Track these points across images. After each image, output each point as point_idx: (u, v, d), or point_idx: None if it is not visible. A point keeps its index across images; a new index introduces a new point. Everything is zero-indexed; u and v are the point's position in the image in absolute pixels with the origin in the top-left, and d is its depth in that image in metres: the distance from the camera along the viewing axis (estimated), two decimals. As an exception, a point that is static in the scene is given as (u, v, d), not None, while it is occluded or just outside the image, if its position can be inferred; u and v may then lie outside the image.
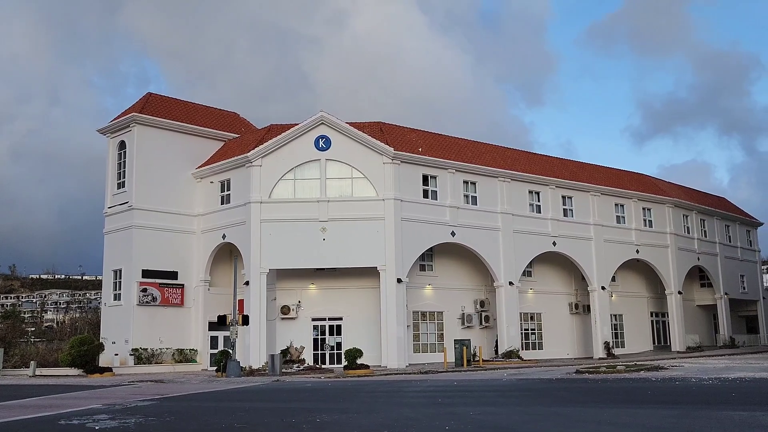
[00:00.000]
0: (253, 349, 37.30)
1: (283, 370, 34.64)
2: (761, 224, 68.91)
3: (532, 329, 47.82)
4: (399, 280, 38.54)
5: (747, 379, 24.58)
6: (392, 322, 38.02)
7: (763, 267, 75.53)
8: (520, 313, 45.40)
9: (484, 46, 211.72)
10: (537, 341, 47.94)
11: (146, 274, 40.57)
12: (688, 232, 56.73)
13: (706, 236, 58.93)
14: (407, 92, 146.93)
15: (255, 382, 29.44)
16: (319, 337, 40.87)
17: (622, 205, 51.40)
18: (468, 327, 44.17)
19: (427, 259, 43.50)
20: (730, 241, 62.61)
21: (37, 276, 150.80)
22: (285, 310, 40.27)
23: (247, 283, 38.32)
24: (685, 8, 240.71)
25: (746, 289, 63.32)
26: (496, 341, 43.92)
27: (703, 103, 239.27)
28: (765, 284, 76.47)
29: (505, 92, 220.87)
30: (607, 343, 47.79)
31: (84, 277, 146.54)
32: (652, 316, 56.59)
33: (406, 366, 37.79)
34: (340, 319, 40.80)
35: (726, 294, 59.41)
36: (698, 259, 57.31)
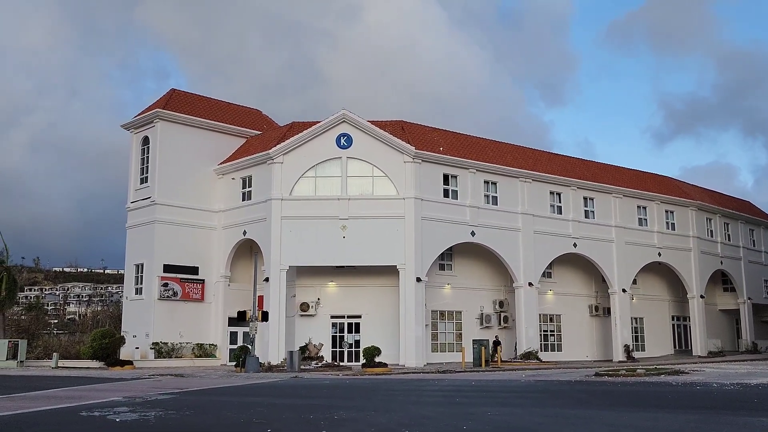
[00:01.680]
0: (272, 345, 37.48)
1: (302, 367, 34.79)
2: (786, 229, 67.99)
3: (551, 331, 47.59)
4: (418, 279, 38.54)
5: (769, 385, 24.27)
6: (411, 321, 38.04)
7: (787, 272, 74.49)
8: (539, 315, 45.22)
9: (502, 44, 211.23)
10: (556, 343, 47.72)
11: (167, 269, 40.91)
12: (712, 236, 56.15)
13: (729, 240, 58.28)
14: (423, 88, 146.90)
15: (273, 378, 29.60)
16: (338, 334, 40.99)
17: (645, 207, 50.99)
18: (487, 327, 44.07)
19: (447, 258, 43.46)
20: (754, 246, 61.86)
21: (60, 269, 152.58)
22: (304, 307, 40.42)
23: (266, 279, 38.51)
24: (707, 6, 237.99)
25: (770, 294, 62.53)
26: (516, 343, 43.77)
27: (726, 103, 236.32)
28: (789, 289, 75.42)
29: (523, 90, 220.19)
30: (627, 346, 47.44)
31: (106, 271, 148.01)
32: (673, 320, 56.08)
33: (424, 365, 37.79)
34: (359, 317, 40.88)
35: (749, 299, 58.73)
36: (721, 263, 56.69)
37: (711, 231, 56.20)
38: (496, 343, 40.44)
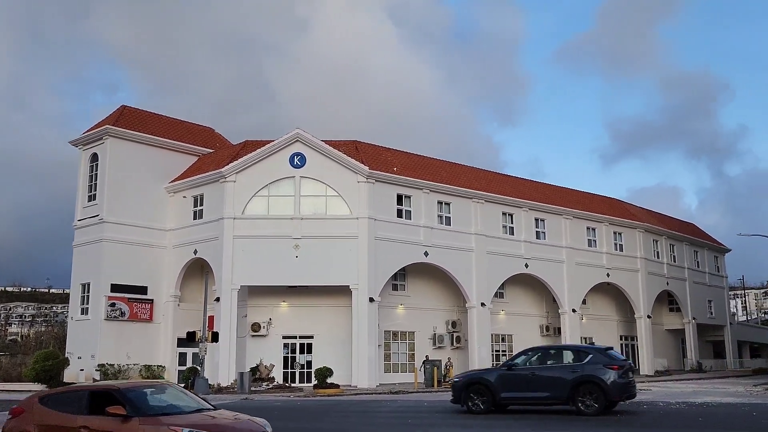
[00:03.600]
0: (222, 366, 36.87)
1: (252, 388, 34.29)
2: (729, 250, 69.98)
3: (503, 350, 47.89)
4: (371, 299, 38.45)
5: (713, 404, 24.81)
6: (363, 342, 37.88)
7: (730, 293, 76.62)
8: (492, 334, 45.50)
9: (455, 64, 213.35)
10: (508, 363, 47.93)
11: (115, 288, 40.01)
12: (658, 257, 57.40)
13: (675, 261, 59.68)
14: (376, 107, 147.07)
15: (223, 400, 29.06)
16: (290, 355, 40.54)
17: (594, 229, 51.92)
18: (439, 347, 44.13)
19: (400, 278, 43.48)
20: (698, 267, 63.44)
21: (2, 288, 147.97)
22: (255, 327, 39.92)
23: (217, 299, 37.97)
24: (655, 31, 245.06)
25: (713, 314, 64.12)
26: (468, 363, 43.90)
27: (671, 126, 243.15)
28: (732, 310, 77.59)
29: (476, 111, 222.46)
30: (577, 366, 47.92)
31: (51, 291, 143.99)
32: (621, 339, 57.01)
33: (377, 386, 37.61)
34: (311, 337, 40.53)
35: (694, 319, 60.11)
36: (667, 283, 57.97)
37: (657, 252, 57.47)
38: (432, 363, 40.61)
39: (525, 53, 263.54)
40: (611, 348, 22.25)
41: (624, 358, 22.46)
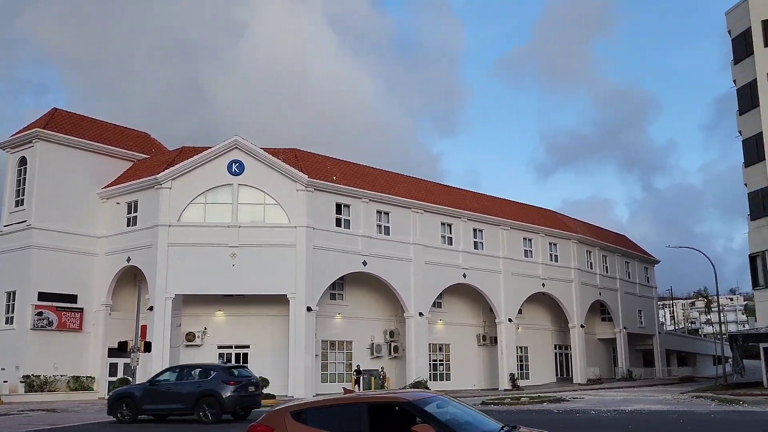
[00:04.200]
0: (154, 377, 35.92)
1: (186, 400, 33.49)
2: (658, 262, 72.08)
3: (440, 360, 48.16)
4: (309, 309, 38.15)
5: (643, 412, 25.41)
6: (300, 351, 37.52)
7: (658, 303, 78.92)
8: (429, 344, 45.69)
9: (396, 73, 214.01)
10: (445, 372, 48.29)
11: (43, 296, 38.63)
12: (591, 268, 58.70)
13: (607, 272, 61.13)
14: (317, 114, 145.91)
15: (155, 411, 28.31)
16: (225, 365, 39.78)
17: (530, 240, 52.76)
18: (377, 357, 44.06)
19: (338, 287, 43.29)
20: (629, 278, 65.13)
21: None
22: (190, 337, 39.12)
23: (151, 308, 37.07)
24: (588, 46, 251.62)
25: (643, 324, 65.88)
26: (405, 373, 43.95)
27: (604, 139, 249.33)
28: (660, 320, 79.87)
29: (416, 121, 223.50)
30: (512, 375, 48.62)
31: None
32: (555, 348, 58.03)
33: (314, 396, 37.27)
34: (247, 347, 39.94)
35: (625, 328, 61.63)
36: (600, 293, 59.31)
37: (591, 263, 58.77)
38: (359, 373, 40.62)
39: (465, 65, 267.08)
40: (240, 366, 26.81)
41: (248, 374, 25.19)
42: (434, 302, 46.22)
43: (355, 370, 40.82)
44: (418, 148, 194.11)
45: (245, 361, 39.70)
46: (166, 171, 38.26)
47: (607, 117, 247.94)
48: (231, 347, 39.91)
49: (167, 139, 51.09)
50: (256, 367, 38.10)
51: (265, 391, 33.68)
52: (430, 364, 45.75)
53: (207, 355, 39.13)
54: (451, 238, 46.99)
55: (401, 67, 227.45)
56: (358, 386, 38.87)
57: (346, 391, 8.99)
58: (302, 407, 8.99)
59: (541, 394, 36.89)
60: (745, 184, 44.01)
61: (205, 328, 39.63)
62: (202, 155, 38.83)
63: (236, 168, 38.85)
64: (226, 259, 37.71)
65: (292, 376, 37.23)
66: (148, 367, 35.90)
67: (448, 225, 46.95)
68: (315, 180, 39.60)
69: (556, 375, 57.26)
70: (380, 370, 41.14)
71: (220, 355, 39.67)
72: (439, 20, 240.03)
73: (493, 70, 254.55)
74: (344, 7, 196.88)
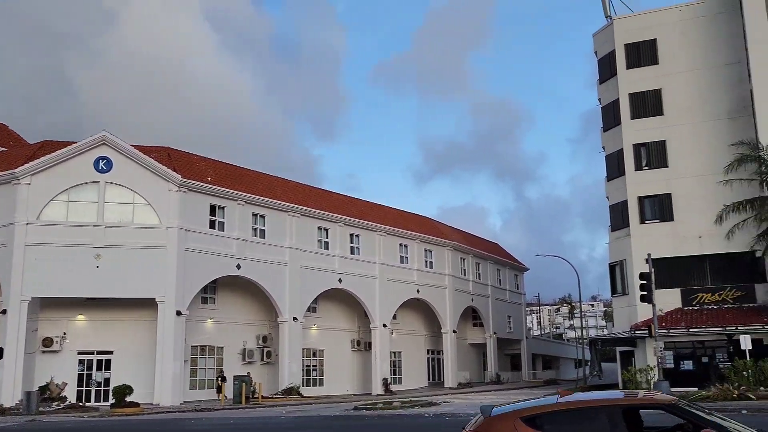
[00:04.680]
0: (6, 385, 33.53)
1: (41, 409, 31.52)
2: (527, 269, 74.95)
3: (314, 365, 47.83)
4: (179, 313, 36.85)
5: (509, 414, 26.08)
6: (168, 357, 36.15)
7: (527, 309, 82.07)
8: (303, 349, 45.29)
9: (275, 74, 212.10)
10: (318, 377, 48.00)
11: None
12: (465, 274, 60.19)
13: (480, 279, 62.88)
14: (192, 113, 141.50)
15: (5, 422, 26.44)
16: (86, 372, 37.79)
17: (406, 246, 53.44)
18: (249, 362, 43.16)
19: (210, 291, 42.12)
20: (500, 284, 67.31)
21: None
22: (47, 342, 36.81)
23: (4, 311, 34.62)
24: (466, 58, 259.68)
25: (512, 329, 68.24)
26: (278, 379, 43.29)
27: (480, 149, 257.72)
28: (528, 325, 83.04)
29: (294, 123, 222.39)
30: (385, 380, 48.99)
31: None
32: (428, 353, 59.03)
33: (181, 403, 36.02)
34: (111, 352, 38.05)
35: (495, 333, 63.59)
36: (472, 300, 60.92)
37: (464, 270, 60.27)
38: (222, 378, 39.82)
39: (346, 69, 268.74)
40: None
41: None
42: (309, 307, 45.90)
43: (218, 376, 39.80)
44: (296, 151, 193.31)
45: (108, 367, 37.89)
46: (26, 165, 35.92)
47: (483, 127, 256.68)
48: (92, 353, 37.91)
49: (27, 132, 48.18)
50: (119, 375, 36.55)
51: (128, 399, 32.28)
52: (303, 369, 45.34)
53: (66, 361, 37.01)
54: (328, 242, 46.84)
55: (282, 68, 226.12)
56: (220, 393, 37.87)
57: (562, 393, 7.63)
58: (536, 411, 7.73)
59: (412, 399, 37.33)
60: (607, 197, 46.44)
61: (65, 333, 37.45)
62: (66, 150, 36.73)
63: (103, 165, 37.03)
64: (90, 261, 35.82)
65: (159, 382, 35.81)
66: (0, 375, 33.59)
67: (324, 230, 46.77)
68: (189, 180, 38.37)
69: (428, 379, 58.24)
70: (247, 375, 39.91)
71: (81, 362, 37.62)
72: (321, 23, 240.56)
73: (373, 76, 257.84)
74: (224, 3, 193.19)
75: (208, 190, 39.49)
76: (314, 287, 45.52)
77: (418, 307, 56.26)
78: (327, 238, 46.86)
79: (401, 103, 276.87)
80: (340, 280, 47.00)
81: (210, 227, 39.67)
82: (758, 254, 35.47)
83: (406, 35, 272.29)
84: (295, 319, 43.56)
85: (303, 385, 43.91)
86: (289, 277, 43.40)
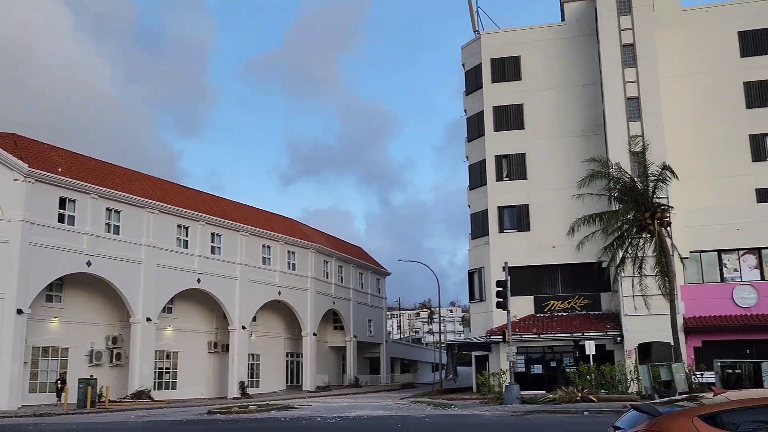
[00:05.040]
0: None
1: None
2: (389, 274, 75.91)
3: (167, 368, 46.00)
4: (19, 311, 34.29)
5: (366, 417, 26.19)
6: (6, 358, 33.54)
7: (387, 313, 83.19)
8: (156, 351, 43.48)
9: (137, 64, 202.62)
10: (171, 380, 46.20)
11: None
12: (327, 277, 60.08)
13: (342, 282, 62.99)
14: (44, 98, 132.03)
15: None
16: None
17: (269, 247, 52.61)
18: (96, 365, 40.87)
19: (57, 289, 39.52)
20: (362, 288, 67.74)
21: None
22: None
23: None
24: (337, 60, 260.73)
25: (372, 332, 68.85)
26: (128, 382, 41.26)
27: (347, 152, 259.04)
28: (388, 329, 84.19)
29: (156, 116, 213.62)
30: (242, 383, 47.92)
31: None
32: (287, 356, 58.39)
33: (19, 408, 33.51)
34: (-60, 354, 34.85)
35: (355, 337, 63.89)
36: (333, 303, 60.90)
37: (327, 273, 60.15)
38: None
39: (214, 64, 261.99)
40: None
41: None
42: (165, 307, 44.16)
43: (57, 379, 37.42)
44: (157, 145, 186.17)
45: (-65, 370, 34.62)
46: None
47: (352, 131, 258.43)
48: None
49: None
50: (-52, 377, 33.52)
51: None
52: (155, 372, 43.52)
53: None
54: (187, 241, 45.24)
55: (145, 57, 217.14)
56: (60, 398, 35.65)
57: (717, 392, 6.90)
58: (718, 409, 7.32)
59: (269, 402, 36.71)
60: (469, 206, 47.87)
61: None
62: None
63: (-61, 148, 33.88)
64: None
65: (-6, 386, 33.13)
66: None
67: (184, 228, 45.16)
68: (36, 170, 35.84)
69: (287, 382, 57.61)
70: (91, 377, 37.46)
71: None
72: (188, 14, 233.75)
73: (242, 72, 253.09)
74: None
75: (58, 181, 37.05)
76: (171, 287, 43.83)
77: (279, 309, 55.54)
78: (187, 236, 45.25)
79: (270, 102, 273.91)
80: (198, 280, 45.53)
81: (59, 221, 37.21)
82: (604, 265, 37.62)
83: (278, 34, 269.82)
84: (148, 319, 41.72)
85: (155, 389, 42.13)
86: (144, 276, 41.51)
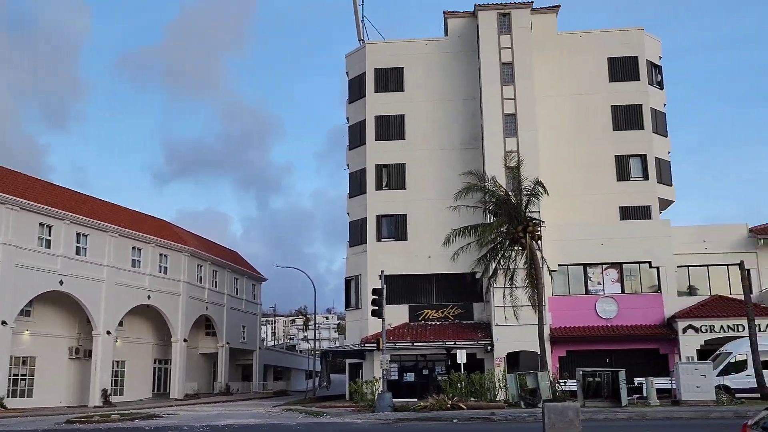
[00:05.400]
0: None
1: None
2: (265, 279, 74.74)
3: (22, 374, 43.09)
4: None
5: (236, 426, 25.54)
6: None
7: (262, 319, 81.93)
8: (12, 357, 40.67)
9: (5, 50, 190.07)
10: (27, 388, 43.30)
11: None
12: (201, 282, 58.38)
13: (216, 287, 61.39)
14: None
15: None
16: None
17: (140, 249, 50.48)
18: (-58, 371, 37.73)
19: None
20: (237, 294, 66.31)
21: None
22: None
23: None
24: (221, 59, 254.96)
25: (245, 339, 67.50)
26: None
27: (227, 154, 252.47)
28: (262, 336, 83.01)
29: (20, 106, 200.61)
30: (105, 391, 45.58)
31: None
32: (155, 363, 56.18)
33: None
34: None
35: (228, 343, 62.41)
36: (207, 308, 59.24)
37: (200, 277, 58.44)
38: None
39: (87, 55, 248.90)
40: None
41: None
42: (23, 310, 41.39)
43: None
44: (20, 138, 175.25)
45: None
46: None
47: (233, 132, 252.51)
48: None
49: None
50: None
51: None
52: (10, 379, 40.68)
53: None
54: (50, 240, 42.62)
55: (9, 42, 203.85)
56: None
57: None
58: None
59: (133, 411, 35.15)
60: (348, 213, 47.93)
61: None
62: None
63: None
64: None
65: None
66: None
67: (47, 226, 42.52)
68: None
69: (154, 390, 55.40)
70: None
71: None
72: (63, 0, 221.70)
73: (119, 66, 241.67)
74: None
75: None
76: (30, 288, 41.10)
77: (148, 314, 53.37)
78: (50, 235, 42.61)
79: (147, 99, 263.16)
80: (61, 282, 42.96)
81: None
82: (477, 276, 38.64)
83: (158, 27, 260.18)
84: (4, 323, 38.94)
85: (8, 396, 39.36)
86: (0, 277, 38.75)
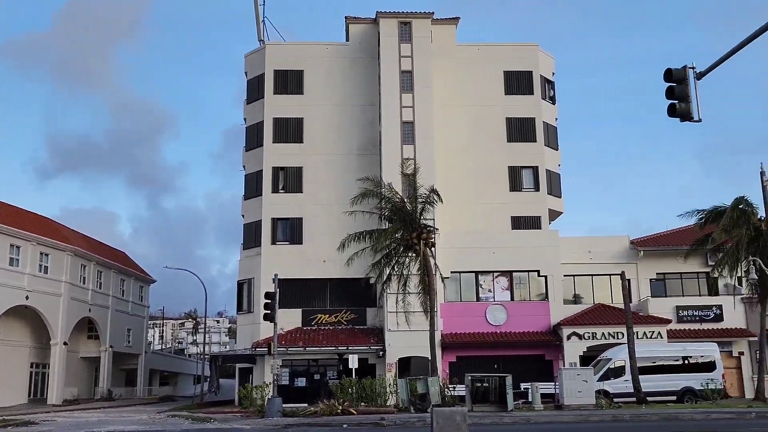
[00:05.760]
0: None
1: None
2: (154, 281, 72.31)
3: None
4: None
5: (117, 434, 24.48)
6: None
7: (150, 322, 79.23)
8: None
9: None
10: None
11: None
12: (84, 283, 55.78)
13: (101, 288, 58.81)
14: None
15: None
16: None
17: (18, 247, 47.71)
18: None
19: None
20: (123, 295, 63.79)
21: None
22: None
23: None
24: (114, 52, 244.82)
25: (131, 342, 65.02)
26: None
27: (116, 151, 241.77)
28: (149, 339, 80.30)
29: None
30: (-26, 397, 42.82)
31: None
32: (32, 367, 53.20)
33: None
34: None
35: (111, 347, 59.91)
36: (90, 310, 56.65)
37: (84, 278, 55.85)
38: None
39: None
40: None
41: None
42: None
43: None
44: None
45: None
46: None
47: (123, 128, 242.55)
48: None
49: None
50: None
51: None
52: None
53: None
54: None
55: None
56: None
57: None
58: None
59: (6, 418, 33.11)
60: (243, 216, 47.08)
61: None
62: None
63: None
64: None
65: None
66: None
67: None
68: None
69: (29, 396, 52.42)
70: None
71: None
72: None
73: (0, 53, 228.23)
74: None
75: None
76: None
77: (25, 315, 50.49)
78: None
79: (30, 89, 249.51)
80: (-72, 280, 40.07)
81: None
82: (372, 281, 38.75)
83: (46, 14, 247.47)
84: None
85: None
86: None
